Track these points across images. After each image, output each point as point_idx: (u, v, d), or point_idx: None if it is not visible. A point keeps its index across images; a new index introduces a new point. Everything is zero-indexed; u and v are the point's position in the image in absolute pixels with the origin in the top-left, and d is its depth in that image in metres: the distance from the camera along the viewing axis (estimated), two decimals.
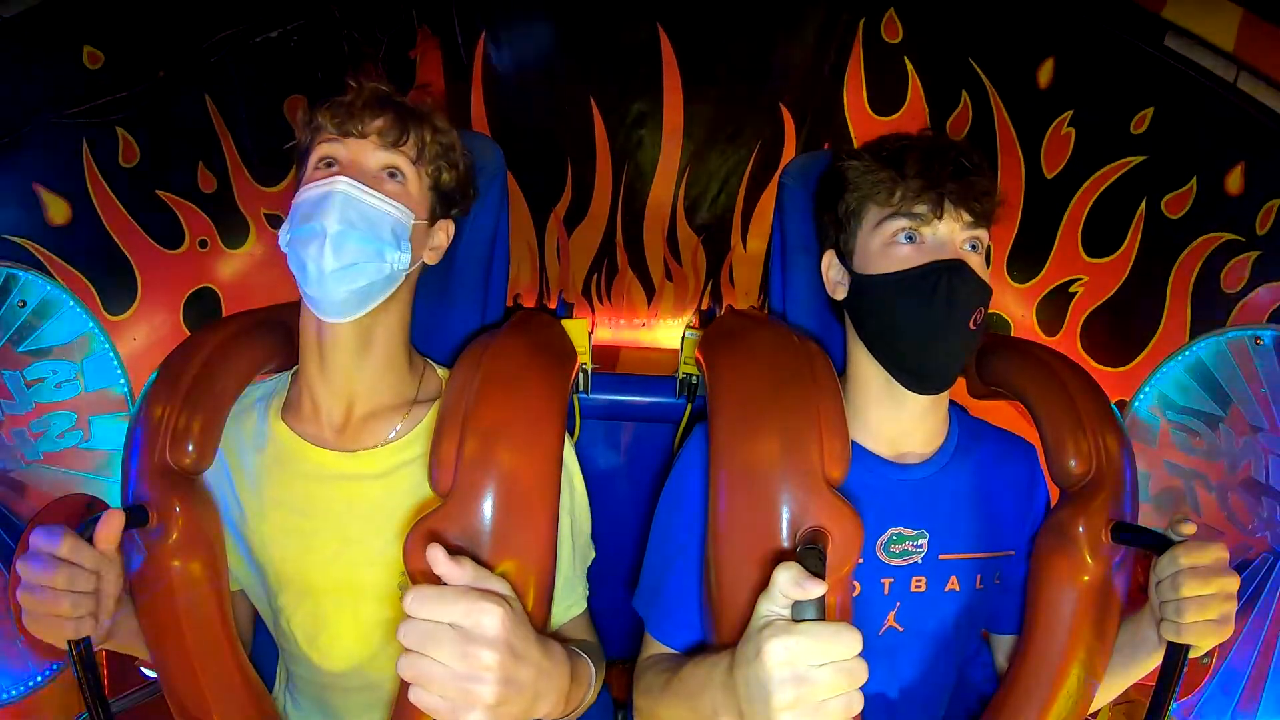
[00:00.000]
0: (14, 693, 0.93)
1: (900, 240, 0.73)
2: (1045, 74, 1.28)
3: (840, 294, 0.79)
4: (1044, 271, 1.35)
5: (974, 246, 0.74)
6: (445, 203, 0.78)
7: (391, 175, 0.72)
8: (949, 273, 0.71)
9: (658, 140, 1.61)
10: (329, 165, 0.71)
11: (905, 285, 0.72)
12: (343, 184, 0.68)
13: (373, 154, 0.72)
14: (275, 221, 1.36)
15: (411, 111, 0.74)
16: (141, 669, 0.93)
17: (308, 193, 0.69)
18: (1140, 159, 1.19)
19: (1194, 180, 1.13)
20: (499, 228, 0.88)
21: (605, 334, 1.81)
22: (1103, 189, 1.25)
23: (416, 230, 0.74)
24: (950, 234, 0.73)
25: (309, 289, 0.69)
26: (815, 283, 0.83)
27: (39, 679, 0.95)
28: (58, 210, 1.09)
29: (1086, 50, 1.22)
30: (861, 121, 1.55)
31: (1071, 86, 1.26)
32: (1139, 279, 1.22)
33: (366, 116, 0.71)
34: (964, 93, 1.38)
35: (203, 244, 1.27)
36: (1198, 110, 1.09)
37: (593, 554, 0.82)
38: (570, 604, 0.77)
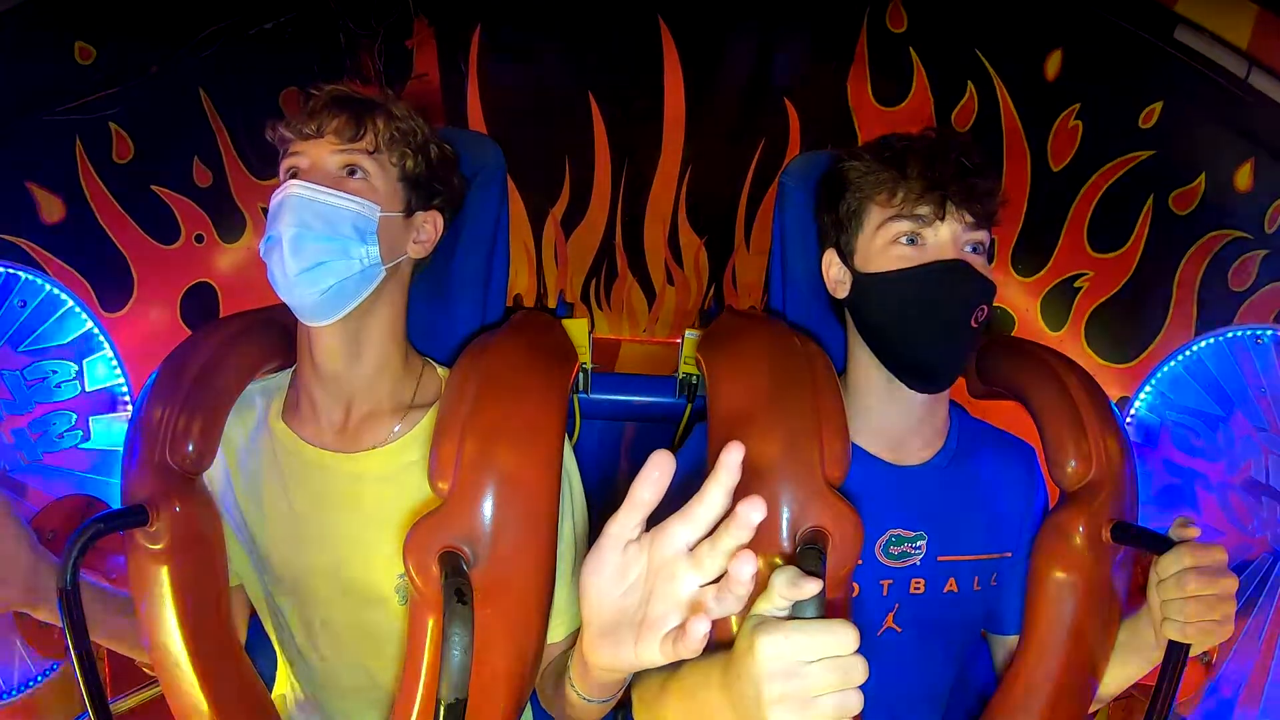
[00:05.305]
0: (14, 693, 0.94)
1: (902, 242, 0.73)
2: (1053, 66, 1.26)
3: (841, 293, 0.79)
4: (1049, 266, 1.34)
5: (975, 249, 0.73)
6: (422, 193, 0.76)
7: (352, 172, 0.72)
8: (951, 271, 0.71)
9: (658, 137, 1.58)
10: (292, 175, 0.71)
11: (907, 283, 0.72)
12: (295, 187, 0.68)
13: (331, 154, 0.71)
14: None
15: (367, 104, 0.74)
16: (142, 669, 0.93)
17: (270, 204, 0.70)
18: (1148, 154, 1.18)
19: (1202, 176, 1.11)
20: (499, 227, 0.88)
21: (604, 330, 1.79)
22: (1110, 183, 1.23)
23: (389, 224, 0.72)
24: (952, 236, 0.72)
25: (282, 295, 0.70)
26: (815, 283, 0.82)
27: (39, 679, 0.96)
28: (51, 207, 1.08)
29: (1095, 43, 1.20)
30: (866, 113, 1.52)
31: (1079, 79, 1.24)
32: (1145, 275, 1.21)
33: (325, 117, 0.71)
34: (970, 84, 1.36)
35: (199, 239, 1.26)
36: (1207, 106, 1.07)
37: None
38: (576, 612, 0.75)
